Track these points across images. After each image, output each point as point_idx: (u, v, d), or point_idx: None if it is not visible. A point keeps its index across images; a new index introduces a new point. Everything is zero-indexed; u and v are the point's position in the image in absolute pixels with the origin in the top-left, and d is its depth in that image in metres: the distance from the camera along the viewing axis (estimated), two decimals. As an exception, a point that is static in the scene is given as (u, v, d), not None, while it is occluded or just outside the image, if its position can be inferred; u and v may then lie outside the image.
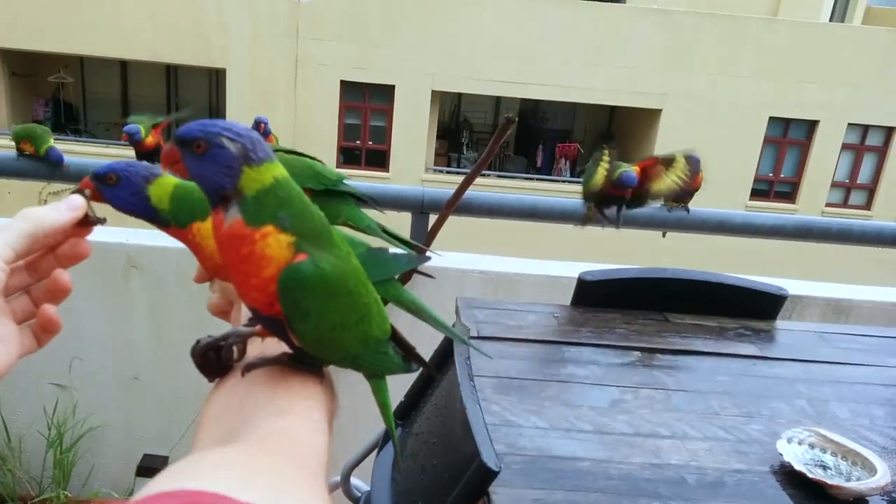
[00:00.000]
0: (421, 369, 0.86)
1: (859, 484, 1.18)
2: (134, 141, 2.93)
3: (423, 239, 2.59)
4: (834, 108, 15.03)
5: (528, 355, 1.64)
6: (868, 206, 16.14)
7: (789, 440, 1.30)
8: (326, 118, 14.92)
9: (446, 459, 1.29)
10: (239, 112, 14.25)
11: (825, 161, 15.56)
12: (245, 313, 0.83)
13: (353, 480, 1.75)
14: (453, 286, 2.74)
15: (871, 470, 1.20)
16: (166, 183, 0.79)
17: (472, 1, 14.53)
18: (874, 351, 1.83)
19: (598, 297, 1.96)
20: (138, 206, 0.79)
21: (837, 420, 1.46)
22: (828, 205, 15.81)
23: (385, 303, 0.82)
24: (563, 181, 16.47)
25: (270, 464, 0.53)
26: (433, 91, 15.03)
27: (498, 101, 17.97)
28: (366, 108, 15.37)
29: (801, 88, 14.91)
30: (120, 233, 2.83)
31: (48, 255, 0.73)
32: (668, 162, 2.56)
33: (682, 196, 2.90)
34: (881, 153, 15.83)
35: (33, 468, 3.03)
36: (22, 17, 13.73)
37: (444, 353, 1.58)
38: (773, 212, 13.95)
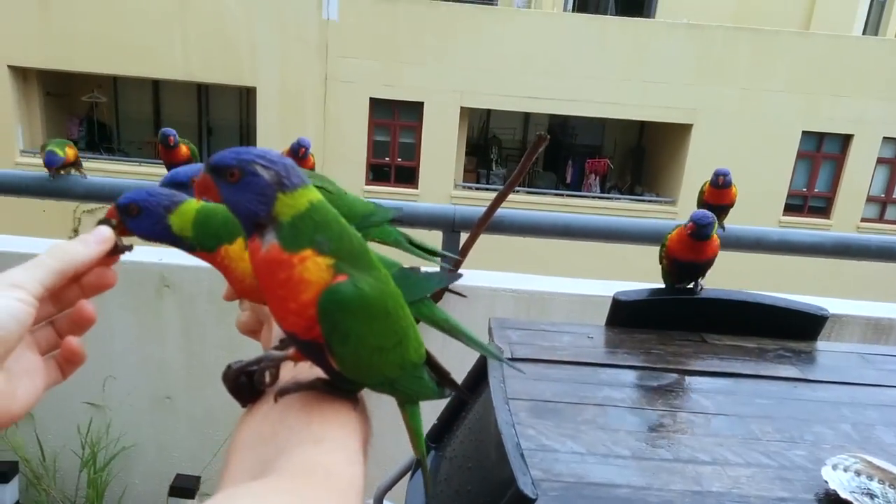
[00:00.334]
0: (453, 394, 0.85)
1: (911, 514, 1.14)
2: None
3: (451, 262, 2.58)
4: (868, 121, 14.79)
5: (563, 377, 1.61)
6: (905, 220, 15.84)
7: (834, 467, 1.26)
8: (355, 135, 15.01)
9: (481, 485, 1.27)
10: (269, 130, 14.40)
11: (860, 175, 15.29)
12: (276, 333, 0.82)
13: (387, 503, 1.73)
14: (484, 305, 2.72)
15: (923, 499, 1.16)
16: (188, 210, 0.79)
17: (501, 17, 14.58)
18: (920, 373, 1.78)
19: (633, 317, 1.93)
20: (162, 235, 0.79)
21: (884, 445, 1.42)
22: (863, 220, 15.53)
23: (417, 321, 0.81)
24: (594, 197, 16.38)
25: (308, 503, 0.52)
26: (462, 107, 15.06)
27: (527, 116, 17.96)
28: (395, 125, 15.45)
29: (834, 102, 14.70)
30: (153, 252, 2.86)
31: (73, 285, 0.72)
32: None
33: (717, 213, 2.86)
34: (917, 167, 15.56)
35: (67, 487, 3.05)
36: (56, 38, 14.03)
37: (478, 375, 1.56)
38: (806, 227, 13.75)
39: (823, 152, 15.43)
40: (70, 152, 2.89)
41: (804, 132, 14.97)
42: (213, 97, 17.62)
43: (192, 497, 2.97)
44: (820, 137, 15.24)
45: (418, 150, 15.39)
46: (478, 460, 1.38)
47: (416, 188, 15.34)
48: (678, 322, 1.94)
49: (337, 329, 0.66)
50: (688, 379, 1.65)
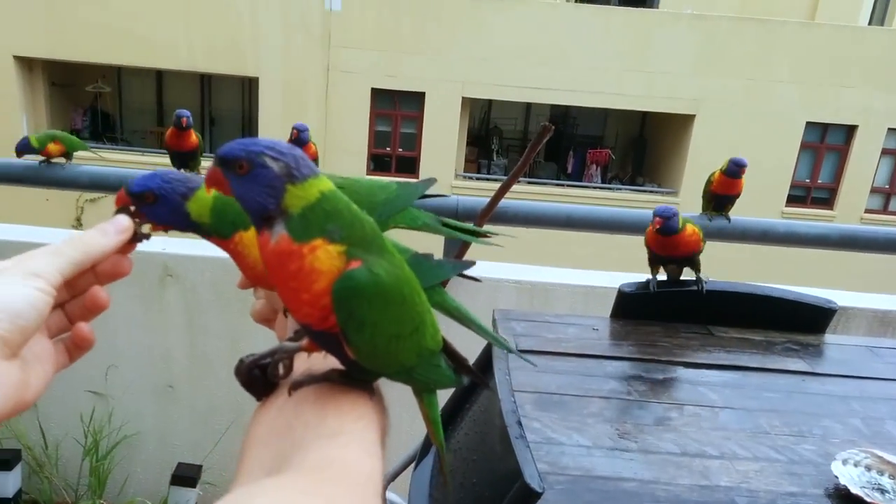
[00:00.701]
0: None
1: (922, 510, 1.12)
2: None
3: (455, 251, 2.56)
4: (873, 112, 14.73)
5: (568, 369, 1.60)
6: (909, 212, 15.81)
7: (844, 461, 1.24)
8: (357, 125, 14.99)
9: (487, 477, 1.26)
10: (271, 120, 14.38)
11: (864, 166, 15.25)
12: (291, 324, 0.81)
13: (390, 495, 1.73)
14: (487, 296, 2.71)
15: (934, 495, 1.15)
16: (204, 196, 0.77)
17: (503, 7, 14.50)
18: (929, 367, 1.76)
19: (638, 309, 1.91)
20: (179, 222, 0.78)
21: (894, 440, 1.41)
22: (867, 211, 15.49)
23: None
24: (595, 187, 16.36)
25: (327, 501, 0.51)
26: (463, 98, 15.02)
27: (528, 107, 17.92)
28: (396, 115, 15.41)
29: (839, 93, 14.64)
30: (156, 242, 2.85)
31: (87, 272, 0.71)
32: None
33: (723, 204, 2.84)
34: (922, 158, 15.51)
35: (70, 475, 3.05)
36: (62, 29, 14.02)
37: (482, 367, 1.55)
38: (810, 218, 13.70)
39: (827, 143, 15.38)
40: (52, 147, 2.87)
41: (808, 123, 14.92)
42: (216, 87, 17.60)
43: (194, 486, 2.97)
44: (824, 128, 15.19)
45: (419, 140, 15.37)
46: (483, 453, 1.37)
47: (417, 178, 15.22)
48: (684, 314, 1.92)
49: (353, 316, 0.65)
50: (694, 372, 1.63)
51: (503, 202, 2.55)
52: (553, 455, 1.26)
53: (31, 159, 2.93)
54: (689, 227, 2.04)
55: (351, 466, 0.58)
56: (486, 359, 1.55)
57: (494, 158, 17.57)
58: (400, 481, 1.76)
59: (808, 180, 15.61)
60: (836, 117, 14.93)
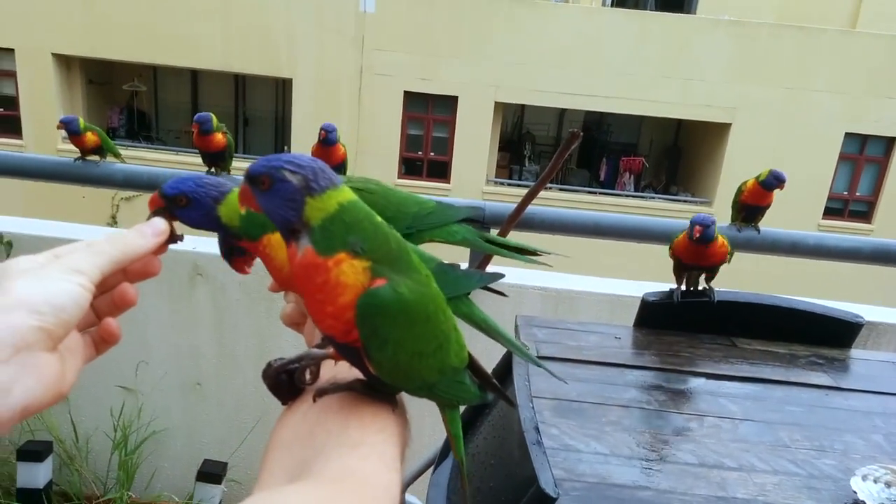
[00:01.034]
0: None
1: (941, 529, 1.11)
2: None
3: (481, 256, 2.57)
4: (914, 124, 14.45)
5: (589, 377, 1.60)
6: (949, 226, 15.44)
7: (864, 477, 1.23)
8: (389, 128, 15.06)
9: (504, 482, 1.27)
10: (304, 121, 14.51)
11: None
12: (319, 331, 0.82)
13: (408, 497, 1.74)
14: (511, 302, 2.72)
15: (955, 515, 1.13)
16: (236, 200, 0.80)
17: (538, 11, 14.48)
18: (958, 385, 1.73)
19: (662, 318, 1.91)
20: (209, 224, 0.81)
21: (917, 458, 1.39)
22: (906, 225, 15.19)
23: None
24: (627, 196, 16.24)
25: None
26: (496, 102, 15.02)
27: (562, 113, 17.85)
28: (428, 118, 15.46)
29: (879, 103, 14.36)
30: (186, 241, 2.89)
31: (117, 270, 0.74)
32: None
33: (753, 214, 2.81)
34: (963, 172, 15.15)
35: (99, 469, 3.11)
36: (99, 27, 14.29)
37: (502, 373, 1.56)
38: (847, 232, 13.48)
39: (866, 155, 15.10)
40: (90, 136, 2.95)
41: (847, 134, 14.66)
42: (250, 88, 17.80)
43: (219, 483, 3.02)
44: (863, 139, 14.91)
45: (451, 144, 15.38)
46: (500, 457, 1.38)
47: (448, 183, 15.34)
48: (708, 325, 1.92)
49: (375, 334, 0.66)
50: (716, 383, 1.63)
51: (530, 208, 2.56)
52: (570, 462, 1.27)
53: (66, 155, 2.99)
54: (720, 238, 2.06)
55: (369, 479, 0.60)
56: (506, 365, 1.56)
57: (526, 164, 17.53)
58: (418, 484, 1.77)
59: (845, 192, 15.34)
60: (876, 128, 14.64)
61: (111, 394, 3.03)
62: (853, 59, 14.23)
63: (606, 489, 1.20)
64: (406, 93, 14.93)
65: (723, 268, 2.12)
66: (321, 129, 2.97)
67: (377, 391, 0.72)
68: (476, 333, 0.89)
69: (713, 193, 15.02)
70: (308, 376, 0.77)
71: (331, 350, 0.76)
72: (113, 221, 13.58)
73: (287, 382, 0.76)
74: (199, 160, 3.14)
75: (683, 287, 2.09)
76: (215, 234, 0.84)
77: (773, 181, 2.72)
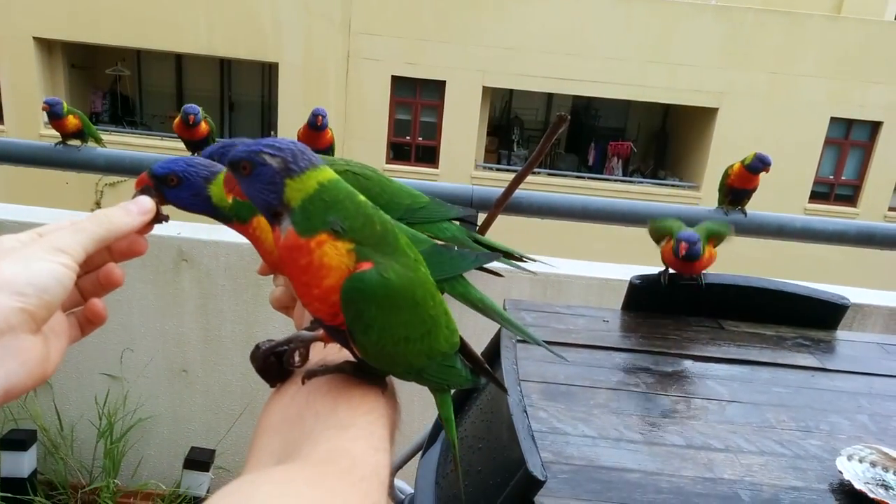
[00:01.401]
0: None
1: (925, 507, 1.12)
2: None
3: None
4: (899, 108, 14.53)
5: (577, 360, 1.60)
6: (933, 210, 15.58)
7: (849, 457, 1.24)
8: (377, 113, 14.98)
9: (492, 466, 1.27)
10: (290, 106, 14.41)
11: (889, 163, 15.02)
12: (308, 313, 0.82)
13: (397, 482, 1.74)
14: (500, 286, 2.71)
15: (939, 493, 1.14)
16: None
17: (526, -3, 14.43)
18: (942, 365, 1.75)
19: (650, 301, 1.91)
20: (200, 205, 0.80)
21: (901, 438, 1.40)
22: (891, 209, 15.28)
23: (442, 291, 0.80)
24: (615, 180, 16.26)
25: (329, 493, 0.52)
26: (484, 87, 14.96)
27: (550, 97, 17.81)
28: (416, 103, 15.39)
29: (864, 88, 14.42)
30: (171, 226, 2.87)
31: (102, 249, 0.72)
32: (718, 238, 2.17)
33: (740, 198, 2.82)
34: (948, 156, 15.26)
35: (84, 457, 3.10)
36: (82, 10, 14.10)
37: (490, 356, 1.55)
38: (833, 215, 13.55)
39: (852, 139, 15.18)
40: (71, 119, 2.92)
41: (832, 118, 14.73)
42: (236, 72, 17.65)
43: (207, 470, 3.01)
44: (848, 124, 14.98)
45: (439, 129, 15.33)
46: (489, 441, 1.38)
47: (437, 168, 15.30)
48: (695, 307, 1.92)
49: (360, 319, 0.65)
50: (703, 365, 1.63)
51: (518, 192, 2.55)
52: (558, 445, 1.27)
53: (48, 140, 2.97)
54: (708, 251, 2.02)
55: (357, 460, 0.59)
56: (495, 348, 1.55)
57: (515, 149, 17.50)
58: (407, 469, 1.77)
59: (831, 177, 15.42)
60: (861, 113, 14.72)
61: (96, 381, 3.01)
62: (838, 45, 14.27)
63: (594, 472, 1.20)
64: (394, 77, 14.85)
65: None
66: (316, 114, 2.96)
67: (367, 373, 0.72)
68: (466, 315, 0.88)
69: (700, 178, 15.07)
70: (297, 358, 0.76)
71: (320, 332, 0.75)
72: (97, 207, 13.44)
73: (276, 365, 0.75)
74: (182, 146, 3.11)
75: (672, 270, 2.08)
76: (203, 217, 0.83)
77: (758, 164, 2.72)
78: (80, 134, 2.97)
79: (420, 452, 1.62)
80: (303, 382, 0.71)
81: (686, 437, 1.33)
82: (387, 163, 15.12)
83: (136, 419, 3.04)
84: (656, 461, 1.24)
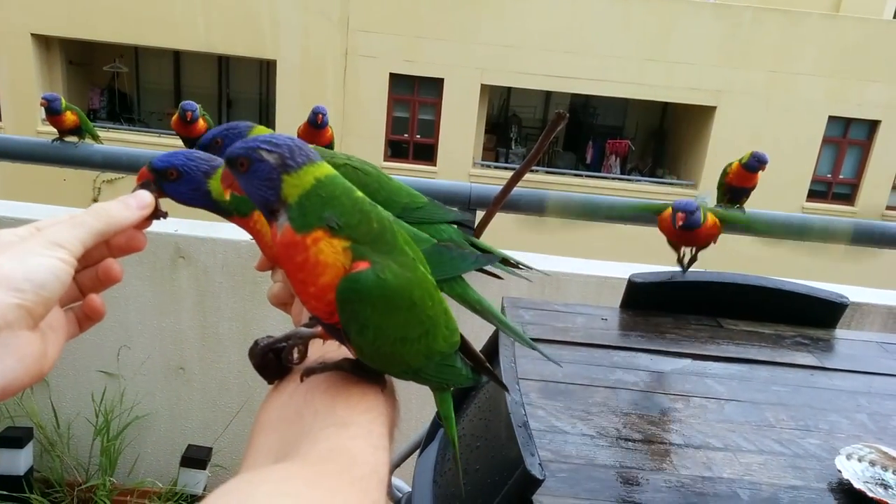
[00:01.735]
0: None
1: (925, 506, 1.11)
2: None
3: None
4: (896, 107, 14.54)
5: (575, 359, 1.60)
6: (931, 209, 15.59)
7: (848, 456, 1.24)
8: (375, 111, 14.96)
9: (490, 464, 1.26)
10: (288, 103, 14.39)
11: (886, 162, 15.04)
12: (307, 310, 0.81)
13: (394, 480, 1.73)
14: (498, 284, 2.70)
15: (939, 492, 1.14)
16: None
17: (524, -6, 14.42)
18: (941, 364, 1.74)
19: (648, 299, 1.90)
20: (200, 200, 0.79)
21: (900, 437, 1.39)
22: (888, 208, 15.30)
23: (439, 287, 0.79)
24: (613, 178, 16.26)
25: (328, 493, 0.51)
26: (482, 85, 14.95)
27: (548, 95, 17.80)
28: (414, 101, 15.37)
29: (862, 87, 14.43)
30: (169, 223, 2.86)
31: (100, 244, 0.71)
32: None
33: (739, 196, 2.81)
34: (946, 155, 15.27)
35: (81, 454, 3.09)
36: (79, 7, 14.06)
37: (489, 354, 1.55)
38: (830, 214, 13.57)
39: (850, 138, 15.19)
40: (69, 116, 2.91)
41: (830, 117, 14.73)
42: (234, 69, 17.62)
43: (204, 468, 3.00)
44: (846, 123, 14.99)
45: (437, 126, 15.32)
46: (487, 439, 1.37)
47: (435, 165, 15.29)
48: (694, 306, 1.91)
49: (355, 319, 0.65)
50: (702, 364, 1.63)
51: (516, 190, 2.55)
52: (556, 443, 1.26)
53: (46, 137, 2.96)
54: (711, 218, 2.01)
55: (357, 458, 0.58)
56: (493, 346, 1.55)
57: (513, 147, 17.49)
58: (404, 467, 1.77)
59: (829, 175, 15.43)
60: (858, 112, 14.72)
61: (92, 379, 3.00)
62: (836, 43, 14.27)
63: (593, 470, 1.19)
64: (392, 74, 14.84)
65: (710, 250, 2.12)
66: (316, 112, 2.95)
67: (366, 371, 0.71)
68: (465, 313, 0.87)
69: (698, 176, 15.07)
70: (296, 355, 0.75)
71: (319, 329, 0.75)
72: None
73: (274, 361, 0.74)
74: (181, 143, 3.10)
75: (686, 258, 2.11)
76: (201, 213, 0.83)
77: (754, 163, 2.72)
78: (78, 130, 2.96)
79: (418, 451, 1.62)
80: (301, 380, 0.70)
81: (685, 435, 1.32)
82: (385, 160, 15.10)
83: (133, 417, 3.03)
84: (655, 460, 1.24)
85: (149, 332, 2.98)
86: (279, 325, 2.66)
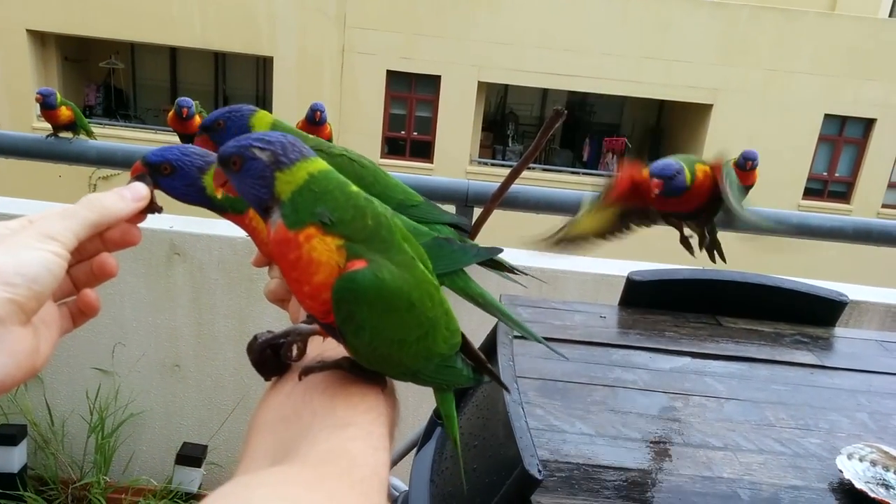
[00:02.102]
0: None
1: (927, 507, 1.11)
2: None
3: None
4: (892, 106, 14.55)
5: (574, 357, 1.58)
6: (926, 207, 15.63)
7: (849, 456, 1.23)
8: (372, 108, 14.94)
9: (487, 464, 1.25)
10: (285, 100, 14.36)
11: (882, 161, 15.07)
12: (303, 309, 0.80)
13: (391, 479, 1.72)
14: (496, 281, 2.69)
15: (940, 492, 1.13)
16: None
17: (521, -9, 14.40)
18: (941, 363, 1.74)
19: (647, 297, 1.89)
20: (194, 196, 0.78)
21: (901, 436, 1.39)
22: (884, 206, 15.34)
23: (441, 283, 0.78)
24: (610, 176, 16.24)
25: (328, 496, 0.50)
26: (479, 82, 14.94)
27: (545, 93, 17.79)
28: (411, 98, 15.35)
29: (858, 85, 14.46)
30: (164, 219, 2.85)
31: (95, 237, 0.70)
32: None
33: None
34: (941, 153, 15.30)
35: (75, 452, 3.07)
36: (75, 3, 14.02)
37: (486, 352, 1.53)
38: (826, 212, 13.58)
39: (845, 136, 15.21)
40: (64, 111, 2.90)
41: (826, 115, 14.76)
42: (230, 66, 17.59)
43: (199, 466, 2.99)
44: (842, 121, 15.02)
45: (434, 124, 15.30)
46: (484, 438, 1.36)
47: (432, 162, 15.28)
48: (693, 304, 1.90)
49: (351, 320, 0.63)
50: (701, 362, 1.62)
51: (514, 187, 2.53)
52: (555, 443, 1.25)
53: (41, 133, 2.94)
54: (702, 172, 1.62)
55: (357, 460, 0.57)
56: (491, 344, 1.54)
57: (510, 144, 17.49)
58: (401, 466, 1.75)
59: (825, 173, 15.45)
60: (854, 110, 14.75)
61: (87, 376, 2.98)
62: (832, 41, 14.29)
63: (592, 470, 1.18)
64: (389, 72, 14.82)
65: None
66: (314, 109, 2.95)
67: (366, 370, 0.69)
68: (464, 310, 0.86)
69: (695, 174, 15.04)
70: (295, 352, 0.74)
71: (318, 326, 0.73)
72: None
73: (272, 358, 0.73)
74: (177, 139, 3.08)
75: (696, 240, 1.78)
76: (196, 210, 0.81)
77: (742, 161, 2.71)
78: (72, 126, 2.94)
79: (415, 449, 1.61)
80: (300, 378, 0.69)
81: (684, 435, 1.31)
82: (381, 157, 15.09)
83: (128, 414, 3.01)
84: (655, 459, 1.23)
85: (144, 329, 2.96)
86: (275, 322, 2.64)
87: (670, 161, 1.61)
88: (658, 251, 2.39)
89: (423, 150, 15.61)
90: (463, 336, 0.75)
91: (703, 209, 1.70)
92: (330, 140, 3.03)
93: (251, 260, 0.87)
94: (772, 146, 13.59)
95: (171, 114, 2.98)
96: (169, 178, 0.76)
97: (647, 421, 1.35)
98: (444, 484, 1.39)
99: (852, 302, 2.55)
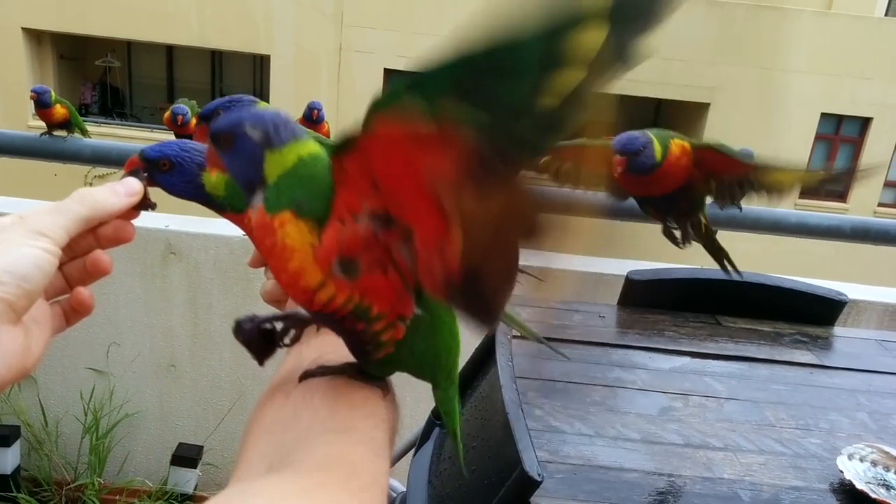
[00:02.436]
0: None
1: (929, 508, 1.10)
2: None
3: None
4: (889, 105, 14.56)
5: (573, 357, 1.57)
6: (922, 206, 15.66)
7: (850, 456, 1.22)
8: (369, 106, 14.92)
9: (486, 465, 1.24)
10: (282, 98, 14.32)
11: (879, 159, 15.07)
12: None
13: (389, 481, 1.71)
14: (494, 281, 2.68)
15: (942, 493, 1.12)
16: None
17: (518, -10, 14.35)
18: (941, 362, 1.73)
19: (646, 297, 1.89)
20: (192, 193, 0.76)
21: (902, 436, 1.38)
22: (880, 204, 15.35)
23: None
24: (606, 175, 16.25)
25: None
26: (476, 81, 14.92)
27: (541, 92, 17.77)
28: (408, 97, 15.31)
29: (855, 84, 14.46)
30: (159, 218, 2.83)
31: (88, 234, 0.68)
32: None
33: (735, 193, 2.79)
34: (937, 152, 15.33)
35: (69, 453, 3.05)
36: (71, 1, 13.97)
37: (485, 353, 1.52)
38: (823, 210, 13.58)
39: (842, 135, 15.22)
40: (59, 109, 2.88)
41: (823, 114, 14.76)
42: (227, 64, 17.53)
43: (195, 466, 2.97)
44: (839, 120, 15.02)
45: (431, 123, 15.27)
46: (483, 439, 1.35)
47: (429, 162, 15.26)
48: (692, 303, 1.90)
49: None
50: (701, 362, 1.61)
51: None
52: (554, 443, 1.24)
53: (34, 129, 2.92)
54: (678, 147, 1.43)
55: (357, 467, 0.55)
56: (489, 345, 1.53)
57: (506, 143, 17.47)
58: (399, 467, 1.74)
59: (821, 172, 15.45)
60: (851, 109, 14.76)
61: (81, 376, 2.96)
62: (829, 41, 14.29)
63: (591, 471, 1.17)
64: (386, 70, 14.79)
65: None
66: (311, 107, 2.93)
67: (368, 375, 0.68)
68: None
69: (691, 173, 15.06)
70: (289, 339, 0.73)
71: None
72: (86, 200, 13.33)
73: (260, 340, 0.72)
74: (173, 138, 3.06)
75: (688, 230, 1.57)
76: (192, 209, 0.80)
77: None
78: (67, 124, 2.92)
79: (413, 450, 1.60)
80: (299, 381, 0.67)
81: (684, 435, 1.30)
82: (378, 156, 15.04)
83: (123, 415, 2.99)
84: (654, 460, 1.22)
85: (139, 329, 2.94)
86: (272, 321, 2.62)
87: (636, 133, 1.40)
88: (657, 250, 2.38)
89: (420, 150, 15.58)
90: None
91: (681, 195, 1.47)
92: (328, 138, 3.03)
93: (247, 260, 0.85)
94: (768, 145, 13.58)
95: (167, 114, 2.97)
96: (167, 174, 0.74)
97: (647, 421, 1.34)
98: (443, 485, 1.38)
99: (851, 301, 2.55)
